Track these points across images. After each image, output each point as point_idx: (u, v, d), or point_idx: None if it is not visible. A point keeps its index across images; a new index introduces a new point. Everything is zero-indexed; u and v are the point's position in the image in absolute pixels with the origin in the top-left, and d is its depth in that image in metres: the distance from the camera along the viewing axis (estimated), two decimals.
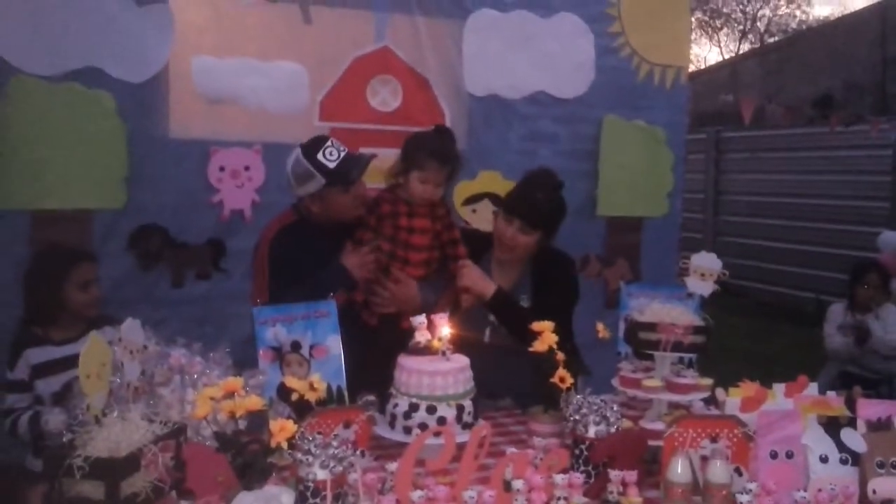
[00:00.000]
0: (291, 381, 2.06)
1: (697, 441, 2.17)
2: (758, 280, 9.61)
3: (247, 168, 3.73)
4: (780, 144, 10.30)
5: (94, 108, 3.45)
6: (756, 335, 7.76)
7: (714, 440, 2.16)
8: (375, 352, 2.66)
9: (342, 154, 2.87)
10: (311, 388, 2.04)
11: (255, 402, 1.80)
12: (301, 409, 2.07)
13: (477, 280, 2.97)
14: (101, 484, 1.42)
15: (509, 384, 2.93)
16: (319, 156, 2.84)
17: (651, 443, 2.29)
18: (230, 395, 1.82)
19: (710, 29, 25.75)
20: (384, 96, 4.00)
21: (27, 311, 2.92)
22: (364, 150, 3.29)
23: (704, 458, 2.14)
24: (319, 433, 1.95)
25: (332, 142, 2.90)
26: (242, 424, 1.91)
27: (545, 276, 3.08)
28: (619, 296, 3.16)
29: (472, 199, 4.23)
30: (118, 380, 1.76)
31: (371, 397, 2.52)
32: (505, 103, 4.27)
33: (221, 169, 3.70)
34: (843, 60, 12.20)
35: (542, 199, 2.99)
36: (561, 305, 3.00)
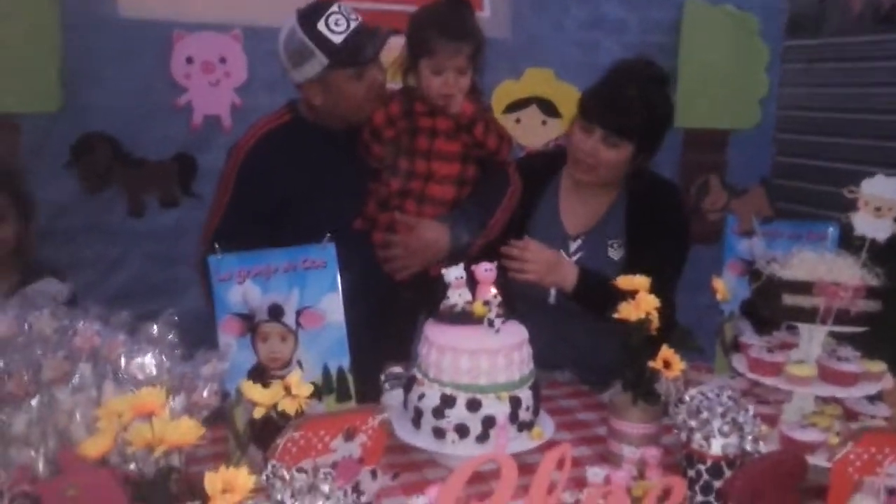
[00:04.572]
0: (252, 391, 1.33)
1: (882, 465, 1.53)
2: (818, 205, 8.83)
3: (223, 60, 3.19)
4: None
5: None
6: None
7: None
8: (401, 308, 2.28)
9: (352, 24, 2.23)
10: (288, 394, 1.32)
11: (186, 431, 1.08)
12: (267, 432, 1.37)
13: (546, 271, 2.27)
14: None
15: (570, 352, 2.40)
16: (321, 25, 2.20)
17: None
18: (147, 416, 1.10)
19: None
20: None
21: None
22: None
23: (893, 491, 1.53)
24: (300, 469, 1.26)
25: (339, 6, 2.25)
26: (177, 458, 1.20)
27: (647, 214, 2.39)
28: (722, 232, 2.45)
29: (517, 106, 3.64)
30: None
31: (397, 369, 2.04)
32: None
33: (189, 60, 3.16)
34: None
35: (634, 96, 2.26)
36: (670, 257, 2.36)
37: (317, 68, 2.22)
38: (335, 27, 2.21)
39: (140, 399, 1.13)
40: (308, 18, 2.23)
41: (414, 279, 2.32)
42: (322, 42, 2.20)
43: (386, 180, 2.32)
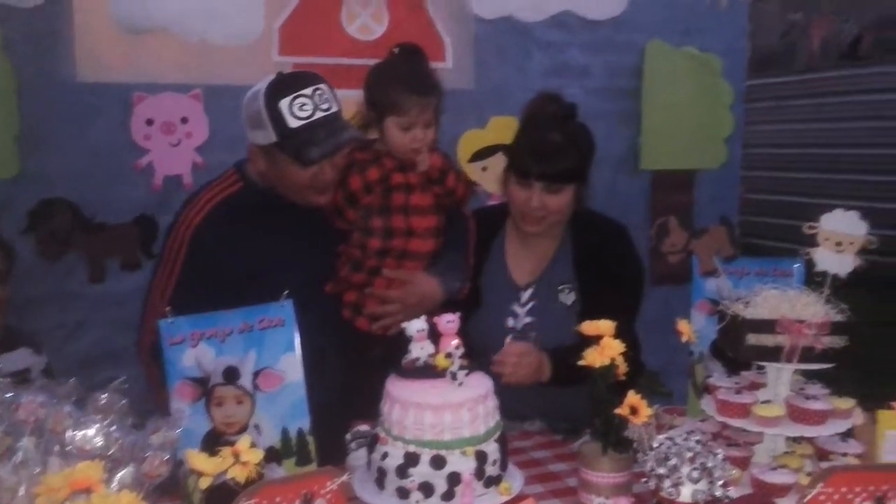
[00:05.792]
0: (197, 460, 1.30)
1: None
2: (787, 240, 8.75)
3: (184, 120, 3.15)
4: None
5: None
6: None
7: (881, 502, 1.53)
8: (373, 365, 2.14)
9: (317, 115, 2.09)
10: (238, 461, 1.29)
11: None
12: (223, 500, 1.33)
13: (527, 376, 2.23)
14: None
15: (538, 401, 2.35)
16: (283, 103, 2.07)
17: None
18: (84, 491, 1.07)
19: None
20: (364, 21, 3.34)
21: None
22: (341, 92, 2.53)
23: None
24: None
25: (315, 91, 2.11)
26: None
27: (596, 256, 2.40)
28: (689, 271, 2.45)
29: (483, 154, 3.60)
30: None
31: (364, 427, 1.96)
32: (522, 28, 3.61)
33: (149, 122, 3.11)
34: None
35: (560, 140, 2.30)
36: (626, 297, 2.38)
37: (263, 140, 2.13)
38: (297, 111, 2.07)
39: (76, 474, 1.10)
40: (276, 90, 2.10)
41: (383, 336, 2.28)
42: (276, 120, 2.08)
43: (360, 241, 2.27)
